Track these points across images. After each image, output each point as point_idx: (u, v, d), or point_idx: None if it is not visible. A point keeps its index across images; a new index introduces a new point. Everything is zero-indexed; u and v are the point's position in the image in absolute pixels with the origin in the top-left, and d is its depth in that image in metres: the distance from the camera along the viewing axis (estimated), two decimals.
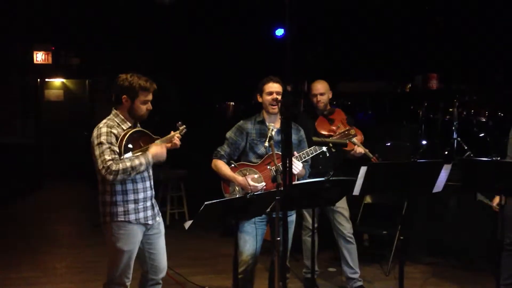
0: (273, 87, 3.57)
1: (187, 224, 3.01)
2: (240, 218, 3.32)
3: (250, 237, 3.54)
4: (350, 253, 4.30)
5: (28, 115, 9.99)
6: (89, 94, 10.79)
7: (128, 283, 3.24)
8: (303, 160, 3.55)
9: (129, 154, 3.05)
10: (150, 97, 3.16)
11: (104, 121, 3.13)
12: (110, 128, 3.06)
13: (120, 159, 3.01)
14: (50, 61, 9.92)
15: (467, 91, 6.37)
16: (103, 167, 2.96)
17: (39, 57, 9.86)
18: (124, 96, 3.12)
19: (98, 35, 9.23)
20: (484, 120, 5.72)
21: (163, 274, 3.42)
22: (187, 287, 4.57)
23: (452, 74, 6.63)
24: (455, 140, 5.93)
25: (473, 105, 6.16)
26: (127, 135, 3.06)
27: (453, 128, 6.01)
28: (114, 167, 2.95)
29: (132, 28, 8.87)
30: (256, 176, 3.56)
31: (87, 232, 6.53)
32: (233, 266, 3.19)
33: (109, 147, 3.00)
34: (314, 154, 3.56)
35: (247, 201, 3.00)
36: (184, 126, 3.25)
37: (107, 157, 2.97)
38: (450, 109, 6.18)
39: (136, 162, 3.03)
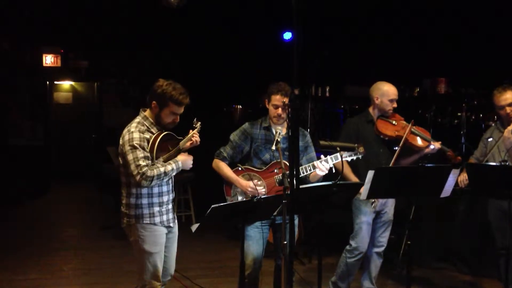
0: (280, 100, 3.47)
1: (194, 227, 3.02)
2: (247, 221, 3.33)
3: (254, 241, 3.53)
4: (377, 268, 4.16)
5: (37, 118, 10.06)
6: (97, 97, 10.84)
7: (160, 286, 3.24)
8: (305, 174, 3.49)
9: (160, 160, 3.10)
10: (180, 110, 3.15)
11: (134, 125, 3.13)
12: (142, 133, 3.08)
13: (153, 164, 3.05)
14: (59, 64, 9.98)
15: (475, 95, 6.33)
16: (138, 173, 2.99)
17: (48, 60, 9.93)
18: (154, 102, 3.12)
19: (107, 38, 9.28)
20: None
21: (170, 277, 3.44)
22: None
23: (460, 78, 6.59)
24: (464, 145, 5.89)
25: (482, 109, 6.13)
26: (158, 140, 3.08)
27: (462, 132, 5.97)
28: (149, 173, 3.00)
29: (140, 30, 8.91)
30: (259, 182, 3.54)
31: (95, 235, 6.55)
32: (240, 270, 3.19)
33: (143, 153, 3.03)
34: (310, 172, 3.49)
35: (253, 204, 2.99)
36: (200, 122, 3.25)
37: (142, 163, 3.00)
38: (459, 113, 6.15)
39: (169, 168, 3.09)
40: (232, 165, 3.65)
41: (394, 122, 4.02)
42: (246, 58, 7.96)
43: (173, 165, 3.11)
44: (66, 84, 11.11)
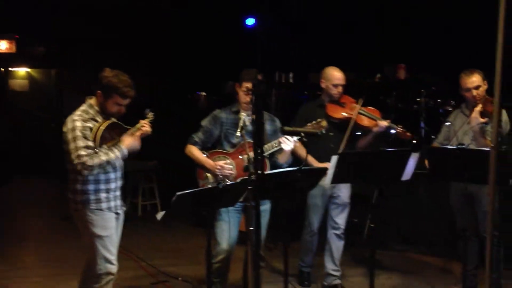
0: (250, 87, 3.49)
1: (160, 215, 3.00)
2: (213, 208, 3.34)
3: (228, 226, 3.57)
4: (339, 250, 4.25)
5: None
6: (55, 84, 10.55)
7: (114, 270, 3.23)
8: (266, 153, 3.53)
9: (104, 147, 3.06)
10: (125, 102, 3.15)
11: (79, 113, 3.11)
12: (85, 122, 3.05)
13: (95, 153, 3.02)
14: (14, 50, 9.65)
15: (434, 81, 6.49)
16: (78, 162, 2.97)
17: (3, 46, 9.56)
18: (99, 91, 3.11)
19: (64, 23, 9.00)
20: (450, 109, 5.83)
21: None
22: (161, 279, 4.55)
23: (419, 64, 6.73)
24: (423, 129, 6.05)
25: (440, 95, 6.28)
26: (102, 128, 3.06)
27: (421, 117, 6.13)
28: (89, 162, 2.98)
29: (100, 15, 8.68)
30: (228, 161, 3.60)
31: (56, 226, 6.42)
32: (206, 257, 3.20)
33: (84, 142, 3.01)
34: (277, 148, 3.55)
35: (219, 191, 3.00)
36: (152, 113, 3.27)
37: (82, 152, 2.98)
38: (418, 99, 6.29)
39: (112, 155, 3.05)
40: (204, 151, 3.68)
41: (343, 105, 4.13)
42: (210, 45, 7.89)
43: (117, 153, 3.08)
44: (21, 70, 10.75)
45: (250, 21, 7.41)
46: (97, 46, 9.21)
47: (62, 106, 10.10)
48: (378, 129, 4.02)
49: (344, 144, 3.99)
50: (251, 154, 2.98)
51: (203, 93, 8.01)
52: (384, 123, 4.00)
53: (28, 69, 10.75)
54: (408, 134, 4.06)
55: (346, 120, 4.04)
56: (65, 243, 5.62)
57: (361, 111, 4.08)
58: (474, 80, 3.90)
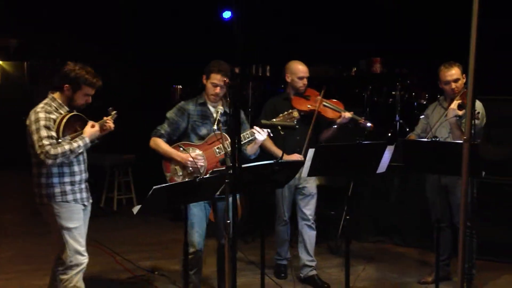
0: (221, 80, 3.53)
1: (135, 209, 2.98)
2: (189, 202, 3.33)
3: (197, 219, 3.57)
4: (311, 241, 4.30)
5: None
6: (28, 77, 10.32)
7: (85, 261, 3.25)
8: (245, 141, 3.57)
9: (66, 138, 3.12)
10: (93, 92, 3.23)
11: (41, 105, 3.17)
12: (48, 114, 3.11)
13: (58, 143, 3.07)
14: None
15: (408, 75, 6.57)
16: (42, 152, 3.03)
17: None
18: (67, 85, 3.16)
19: (38, 15, 8.79)
20: (424, 102, 5.93)
21: None
22: (137, 273, 4.52)
23: (394, 58, 6.80)
24: (398, 122, 6.13)
25: (414, 88, 6.37)
26: (65, 120, 3.12)
27: (396, 110, 6.20)
28: (52, 151, 3.03)
29: (75, 8, 8.51)
30: (197, 152, 3.57)
31: (32, 221, 6.28)
32: (183, 251, 3.19)
33: (47, 132, 3.06)
34: (250, 139, 3.58)
35: (196, 184, 2.99)
36: (115, 111, 3.35)
37: (45, 142, 3.03)
38: (393, 92, 6.36)
39: (75, 145, 3.12)
40: (170, 143, 3.64)
41: (308, 97, 4.23)
42: (185, 38, 7.83)
43: (80, 142, 3.14)
44: None
45: (226, 14, 7.37)
46: (70, 39, 9.03)
47: (34, 99, 9.87)
48: (342, 120, 4.12)
49: (309, 136, 4.07)
50: (227, 145, 2.96)
51: (179, 87, 7.95)
52: (347, 115, 4.11)
53: (0, 62, 10.51)
54: (371, 125, 4.22)
55: (311, 112, 4.13)
56: (42, 238, 5.51)
57: (325, 103, 4.17)
58: (453, 73, 3.97)
